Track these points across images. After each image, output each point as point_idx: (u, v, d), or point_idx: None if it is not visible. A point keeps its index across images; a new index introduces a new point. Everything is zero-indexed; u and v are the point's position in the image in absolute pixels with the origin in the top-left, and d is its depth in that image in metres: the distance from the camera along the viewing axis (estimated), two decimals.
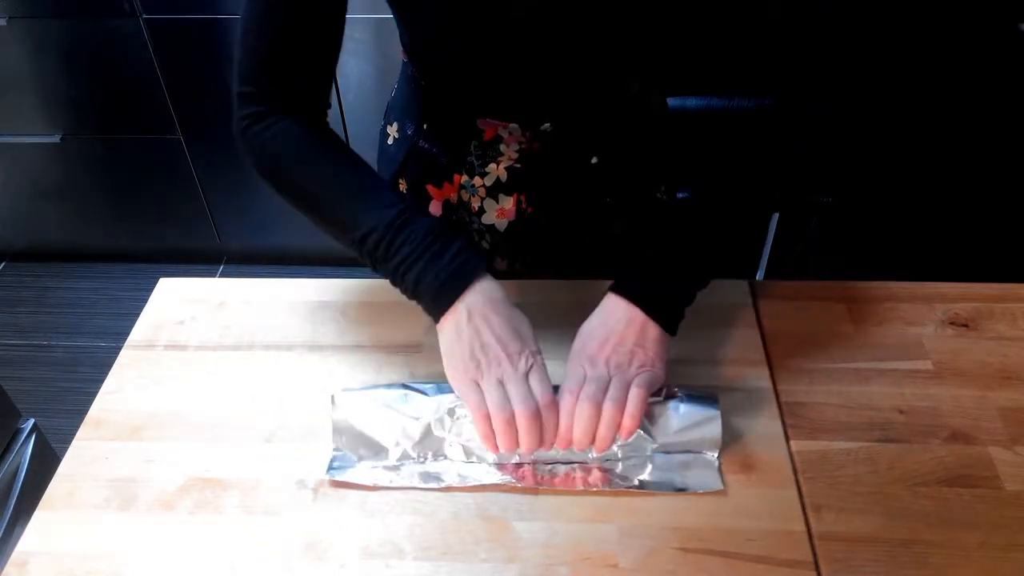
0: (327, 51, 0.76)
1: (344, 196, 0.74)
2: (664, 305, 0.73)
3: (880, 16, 1.84)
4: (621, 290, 0.73)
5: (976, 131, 1.88)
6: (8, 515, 1.30)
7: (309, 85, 0.77)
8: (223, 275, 2.31)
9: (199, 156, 2.06)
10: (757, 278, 1.99)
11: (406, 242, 0.71)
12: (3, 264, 2.39)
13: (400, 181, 0.96)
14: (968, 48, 1.79)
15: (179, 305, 0.88)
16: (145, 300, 0.89)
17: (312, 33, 0.74)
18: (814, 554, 0.64)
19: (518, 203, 0.91)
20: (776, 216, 1.98)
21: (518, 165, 0.88)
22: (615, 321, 0.72)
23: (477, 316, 0.69)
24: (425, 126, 0.90)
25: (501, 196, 0.90)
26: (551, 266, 0.95)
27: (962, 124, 1.88)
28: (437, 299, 0.70)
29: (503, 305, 0.71)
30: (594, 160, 0.89)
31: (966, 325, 0.83)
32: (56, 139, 2.04)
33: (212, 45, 1.84)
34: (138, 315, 0.87)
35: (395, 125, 0.94)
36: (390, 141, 0.96)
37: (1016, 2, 1.69)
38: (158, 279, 0.92)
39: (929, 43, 1.82)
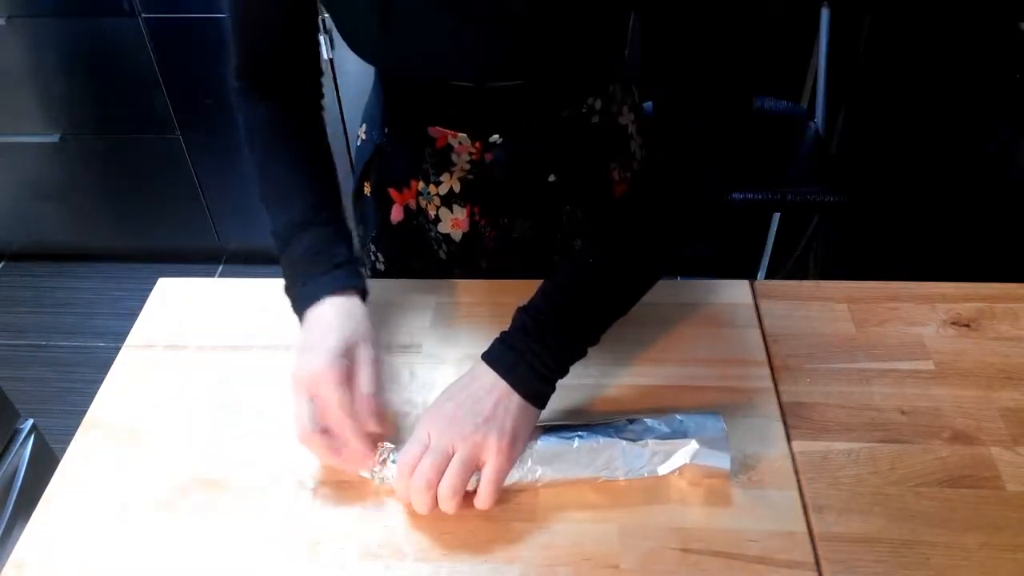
0: (312, 42, 0.83)
1: (273, 188, 0.79)
2: (532, 376, 0.67)
3: (879, 16, 1.84)
4: (489, 357, 0.68)
5: (976, 131, 1.88)
6: (7, 515, 1.29)
7: (297, 73, 0.83)
8: (222, 275, 2.31)
9: (198, 156, 2.05)
10: (758, 278, 1.99)
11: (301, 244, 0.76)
12: (2, 264, 2.38)
13: (365, 184, 0.95)
14: (968, 48, 1.79)
15: (178, 305, 0.88)
16: (144, 300, 0.89)
17: (299, 22, 0.80)
18: (815, 555, 0.64)
19: (471, 215, 0.88)
20: (776, 216, 1.99)
21: (471, 176, 0.86)
22: (478, 387, 0.67)
23: (314, 313, 0.72)
24: (387, 130, 0.89)
25: (455, 206, 0.88)
26: (508, 277, 0.90)
27: (962, 124, 1.88)
28: (300, 298, 0.74)
29: (350, 304, 0.72)
30: (552, 178, 0.85)
31: (968, 325, 0.82)
32: (55, 138, 2.04)
33: (211, 44, 1.84)
34: (137, 315, 0.87)
35: (363, 127, 0.94)
36: (358, 143, 0.96)
37: (1016, 2, 1.70)
38: (157, 279, 0.91)
39: (929, 43, 1.82)
